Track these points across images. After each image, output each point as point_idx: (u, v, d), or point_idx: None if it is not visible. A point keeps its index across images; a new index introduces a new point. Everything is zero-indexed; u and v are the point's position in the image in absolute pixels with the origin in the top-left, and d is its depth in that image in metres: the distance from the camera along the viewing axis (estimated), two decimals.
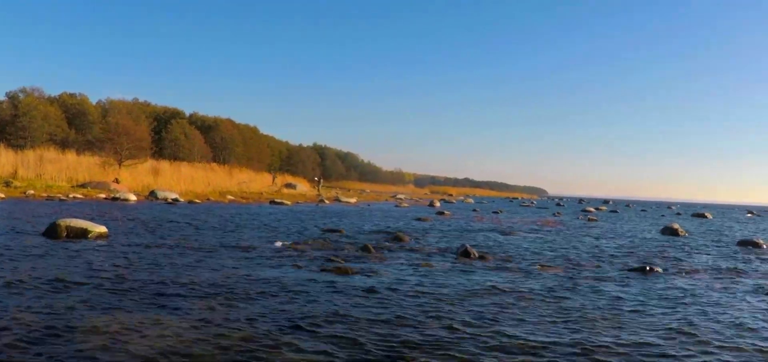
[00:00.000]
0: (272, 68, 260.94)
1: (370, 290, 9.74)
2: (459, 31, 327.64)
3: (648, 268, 13.54)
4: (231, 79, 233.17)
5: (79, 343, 6.07)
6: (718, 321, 8.52)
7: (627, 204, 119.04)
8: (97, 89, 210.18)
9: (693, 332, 7.83)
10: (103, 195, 35.45)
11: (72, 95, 79.95)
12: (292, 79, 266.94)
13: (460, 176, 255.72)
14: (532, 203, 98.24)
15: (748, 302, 10.28)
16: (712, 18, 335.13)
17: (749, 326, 8.32)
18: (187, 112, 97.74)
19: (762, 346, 7.30)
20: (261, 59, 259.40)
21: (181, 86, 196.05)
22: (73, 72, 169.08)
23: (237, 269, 11.26)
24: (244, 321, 7.26)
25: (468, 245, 16.01)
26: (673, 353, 6.79)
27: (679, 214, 64.05)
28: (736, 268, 15.11)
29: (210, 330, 6.77)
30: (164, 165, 54.50)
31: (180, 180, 47.92)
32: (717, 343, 7.30)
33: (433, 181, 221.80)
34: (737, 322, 8.50)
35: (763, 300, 10.49)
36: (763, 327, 8.34)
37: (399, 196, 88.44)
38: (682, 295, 10.63)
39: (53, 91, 79.24)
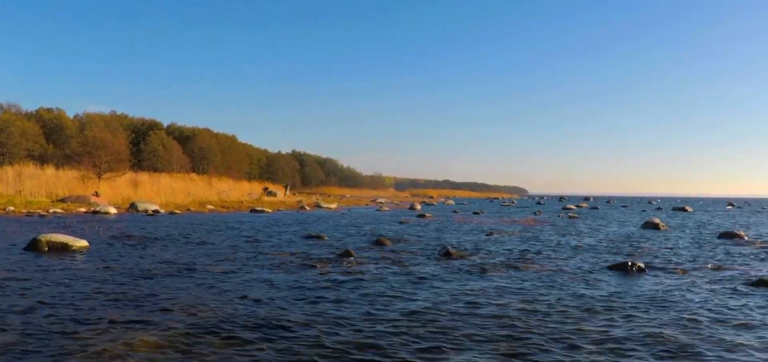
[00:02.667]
0: (249, 76, 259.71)
1: (350, 293, 9.87)
2: (435, 31, 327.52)
3: (629, 264, 13.59)
4: (208, 88, 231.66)
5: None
6: (702, 316, 8.69)
7: (608, 201, 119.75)
8: (74, 103, 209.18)
9: (676, 327, 7.99)
10: (83, 209, 35.25)
11: (49, 110, 79.65)
12: (270, 87, 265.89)
13: (440, 178, 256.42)
14: (513, 202, 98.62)
15: (731, 295, 10.48)
16: (687, 11, 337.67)
17: (733, 319, 8.49)
18: (165, 123, 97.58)
19: (748, 341, 7.49)
20: (238, 67, 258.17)
21: (158, 97, 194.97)
22: (50, 87, 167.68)
23: (217, 279, 11.32)
24: (224, 329, 7.35)
25: (449, 247, 16.15)
26: (656, 351, 6.94)
27: (659, 209, 64.66)
28: (717, 261, 15.36)
29: (191, 341, 6.85)
30: (143, 177, 54.25)
31: (160, 192, 47.70)
32: (703, 340, 7.44)
33: (414, 184, 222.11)
34: (721, 316, 8.66)
35: (746, 292, 10.69)
36: (748, 320, 8.52)
37: (379, 200, 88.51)
38: (665, 290, 10.82)
39: (30, 106, 78.95)
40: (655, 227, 28.02)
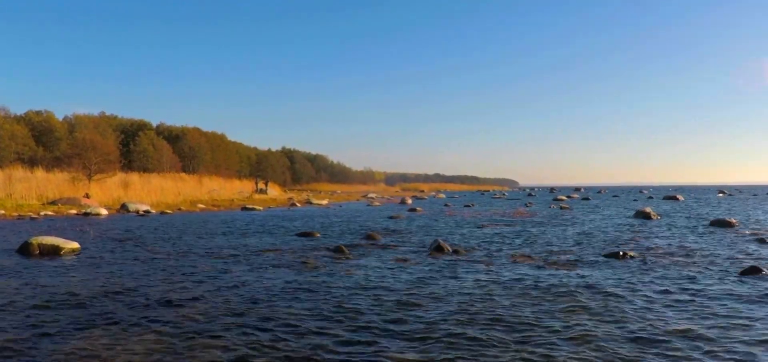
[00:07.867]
0: (238, 74, 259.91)
1: (343, 290, 9.90)
2: (422, 24, 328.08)
3: (621, 254, 13.67)
4: (197, 87, 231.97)
5: None
6: (694, 305, 8.76)
7: (599, 191, 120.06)
8: (63, 105, 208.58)
9: (672, 316, 8.05)
10: (74, 211, 35.13)
11: (38, 113, 79.44)
12: (259, 84, 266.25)
13: (431, 172, 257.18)
14: (504, 194, 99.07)
15: (722, 283, 10.55)
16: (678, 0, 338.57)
17: (724, 307, 8.56)
18: (154, 123, 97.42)
19: (739, 330, 7.55)
20: (226, 65, 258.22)
21: (147, 98, 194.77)
22: (38, 89, 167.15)
23: (209, 279, 11.32)
24: (217, 330, 7.36)
25: (440, 240, 16.17)
26: (653, 340, 6.99)
27: (651, 198, 65.00)
28: (708, 249, 15.42)
29: (185, 342, 6.86)
30: (134, 177, 54.04)
31: (150, 192, 47.54)
32: (696, 330, 7.50)
33: (404, 178, 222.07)
34: (711, 305, 8.73)
35: (738, 280, 10.76)
36: (737, 307, 8.59)
37: (370, 195, 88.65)
38: (658, 278, 10.88)
39: (18, 109, 78.70)
40: (647, 216, 28.15)
